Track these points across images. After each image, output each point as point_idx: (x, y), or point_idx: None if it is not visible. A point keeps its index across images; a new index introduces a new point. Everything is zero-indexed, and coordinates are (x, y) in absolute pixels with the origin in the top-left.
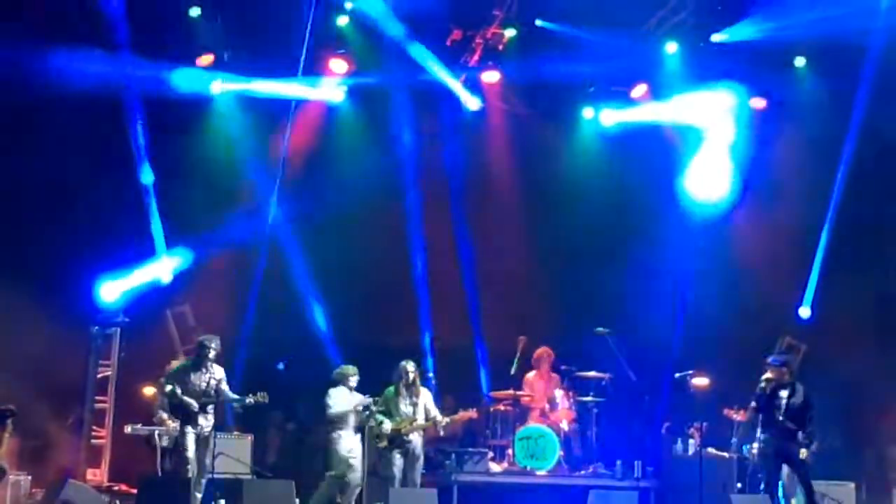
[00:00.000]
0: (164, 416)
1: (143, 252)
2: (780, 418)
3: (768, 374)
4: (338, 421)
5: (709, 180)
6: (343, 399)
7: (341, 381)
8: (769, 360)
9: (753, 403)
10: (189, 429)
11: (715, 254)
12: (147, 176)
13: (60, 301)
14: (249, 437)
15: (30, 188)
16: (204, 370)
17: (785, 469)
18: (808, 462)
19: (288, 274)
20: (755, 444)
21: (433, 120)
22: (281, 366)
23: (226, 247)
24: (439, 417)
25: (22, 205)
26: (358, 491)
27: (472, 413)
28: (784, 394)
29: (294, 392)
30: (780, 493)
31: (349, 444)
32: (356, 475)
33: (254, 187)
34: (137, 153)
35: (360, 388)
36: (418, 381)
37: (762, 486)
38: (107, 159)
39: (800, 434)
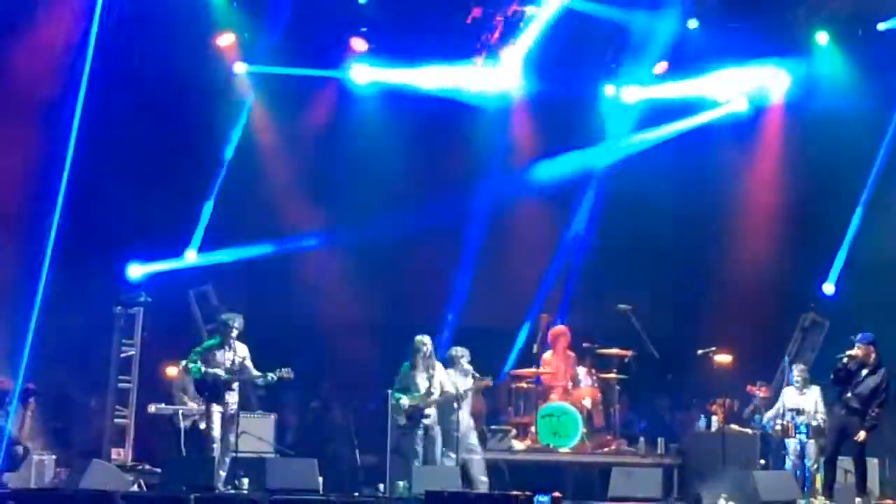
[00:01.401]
0: (186, 398)
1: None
2: (849, 395)
3: (854, 351)
4: (457, 401)
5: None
6: (458, 380)
7: (453, 362)
8: (858, 336)
9: (832, 376)
10: (215, 407)
11: (737, 230)
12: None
13: (89, 280)
14: (272, 416)
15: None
16: (228, 348)
17: (811, 445)
18: (866, 443)
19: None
20: (778, 421)
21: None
22: (284, 373)
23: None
24: (453, 392)
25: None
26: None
27: (487, 381)
28: (864, 373)
29: (318, 371)
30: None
31: (468, 422)
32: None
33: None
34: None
35: (387, 368)
36: (434, 356)
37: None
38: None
39: (865, 416)
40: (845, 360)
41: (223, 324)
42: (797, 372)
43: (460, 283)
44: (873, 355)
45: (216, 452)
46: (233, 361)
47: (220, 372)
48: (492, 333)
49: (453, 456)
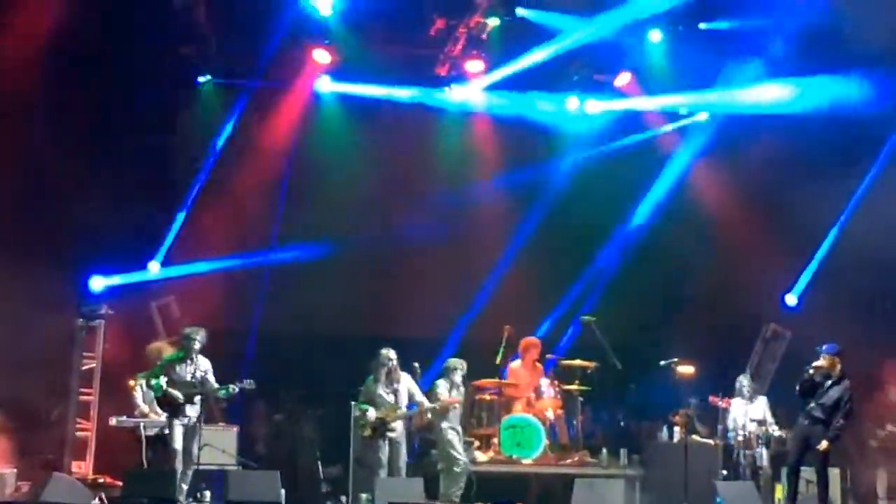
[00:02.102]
0: (144, 407)
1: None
2: (813, 405)
3: (819, 362)
4: (446, 412)
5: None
6: (447, 392)
7: (447, 373)
8: (823, 348)
9: (798, 387)
10: (176, 421)
11: (699, 241)
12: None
13: (51, 292)
14: (235, 429)
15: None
16: (189, 362)
17: (765, 454)
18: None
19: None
20: (740, 432)
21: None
22: (246, 384)
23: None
24: (426, 403)
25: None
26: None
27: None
28: (828, 384)
29: (282, 383)
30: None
31: (456, 434)
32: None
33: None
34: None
35: (350, 380)
36: (398, 368)
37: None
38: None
39: (829, 426)
40: (811, 371)
41: (186, 337)
42: (745, 383)
43: (426, 294)
44: (838, 366)
45: (178, 465)
46: (193, 375)
47: (178, 394)
48: (457, 343)
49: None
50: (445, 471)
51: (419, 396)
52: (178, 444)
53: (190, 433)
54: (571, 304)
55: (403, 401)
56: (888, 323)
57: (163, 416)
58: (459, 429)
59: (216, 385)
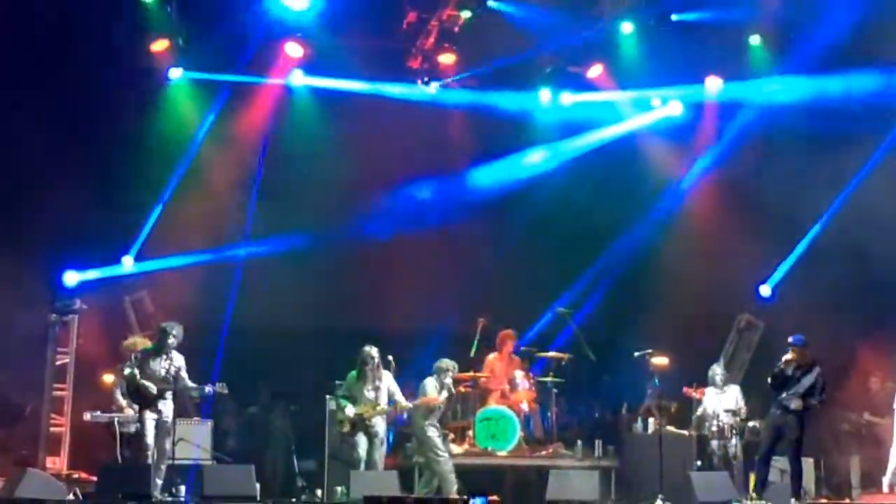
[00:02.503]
0: (123, 402)
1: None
2: (785, 395)
3: (789, 356)
4: (430, 412)
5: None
6: (436, 391)
7: (438, 373)
8: (790, 340)
9: (770, 381)
10: (148, 414)
11: (674, 232)
12: None
13: (24, 287)
14: (209, 423)
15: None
16: (164, 356)
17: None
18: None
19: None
20: (714, 422)
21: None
22: (218, 387)
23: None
24: (403, 403)
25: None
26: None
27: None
28: (799, 374)
29: (256, 375)
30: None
31: (440, 433)
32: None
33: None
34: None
35: (325, 373)
36: (381, 366)
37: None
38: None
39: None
40: (782, 365)
41: (162, 331)
42: (719, 372)
43: (401, 288)
44: (808, 356)
45: (151, 459)
46: (167, 370)
47: (152, 386)
48: (432, 336)
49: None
50: (425, 466)
51: (398, 396)
52: (149, 438)
53: (162, 429)
54: (547, 297)
55: (384, 399)
56: (864, 312)
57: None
58: (439, 427)
59: (190, 384)
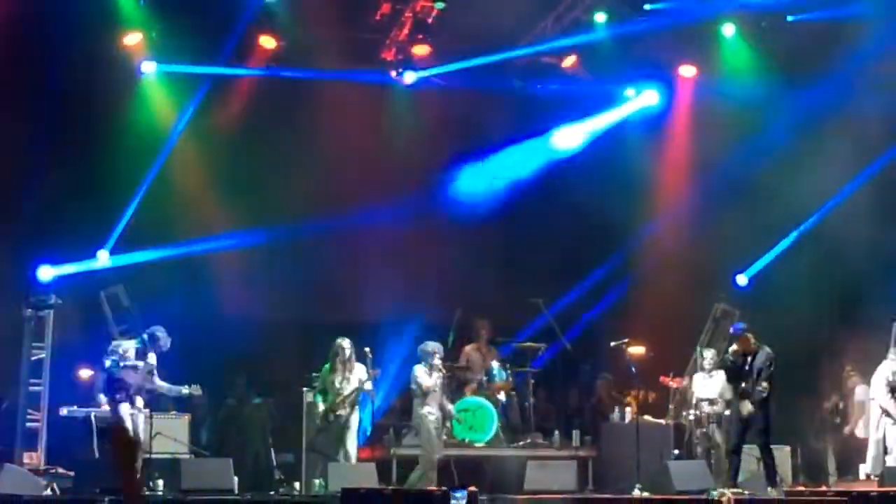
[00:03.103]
0: (104, 398)
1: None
2: (744, 385)
3: (734, 347)
4: (425, 397)
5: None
6: (427, 375)
7: (424, 357)
8: (731, 331)
9: (724, 374)
10: (125, 408)
11: (649, 222)
12: None
13: None
14: (187, 417)
15: None
16: (145, 356)
17: (717, 432)
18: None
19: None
20: (692, 411)
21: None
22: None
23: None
24: (374, 394)
25: None
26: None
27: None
28: (749, 360)
29: (233, 368)
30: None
31: (437, 419)
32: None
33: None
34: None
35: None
36: (353, 358)
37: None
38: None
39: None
40: (731, 357)
41: (153, 336)
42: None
43: (379, 278)
44: (752, 341)
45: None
46: (144, 368)
47: (130, 381)
48: (409, 327)
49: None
50: (423, 457)
51: (369, 386)
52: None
53: (135, 421)
54: (524, 285)
55: (356, 381)
56: (841, 300)
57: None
58: (439, 413)
59: (160, 382)
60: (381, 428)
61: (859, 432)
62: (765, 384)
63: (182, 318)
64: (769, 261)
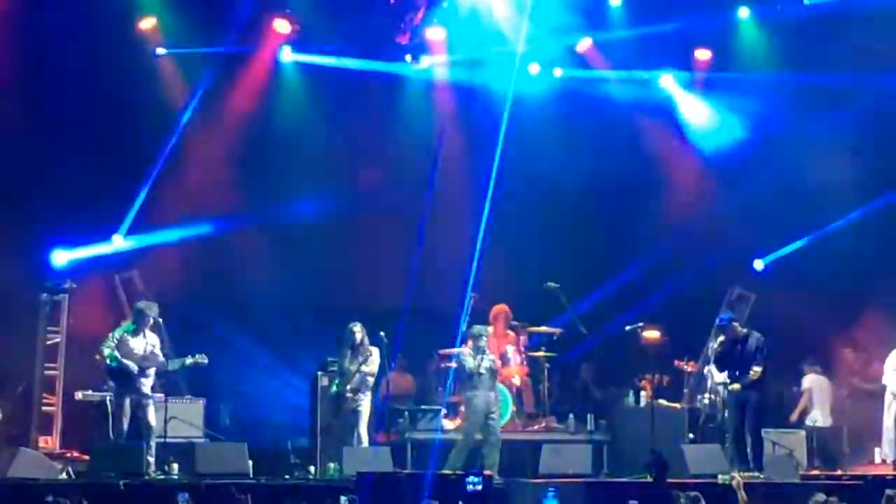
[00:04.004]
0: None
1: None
2: (737, 373)
3: (721, 337)
4: (470, 380)
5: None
6: (472, 357)
7: (472, 340)
8: (717, 322)
9: (716, 366)
10: (125, 396)
11: (664, 206)
12: None
13: (14, 266)
14: (202, 401)
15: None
16: (143, 336)
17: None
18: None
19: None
20: (707, 395)
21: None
22: (198, 358)
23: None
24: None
25: None
26: (498, 447)
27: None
28: (739, 348)
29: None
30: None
31: (484, 402)
32: (493, 433)
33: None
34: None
35: (316, 349)
36: (366, 342)
37: (729, 436)
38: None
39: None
40: (719, 348)
41: (139, 311)
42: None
43: (394, 263)
44: (739, 329)
45: (121, 439)
46: (144, 349)
47: (132, 365)
48: (432, 313)
49: None
50: (462, 439)
51: (372, 367)
52: (125, 423)
53: (144, 405)
54: (538, 271)
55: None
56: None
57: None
58: (492, 395)
59: (162, 359)
60: (397, 412)
61: (815, 422)
62: (757, 368)
63: (199, 301)
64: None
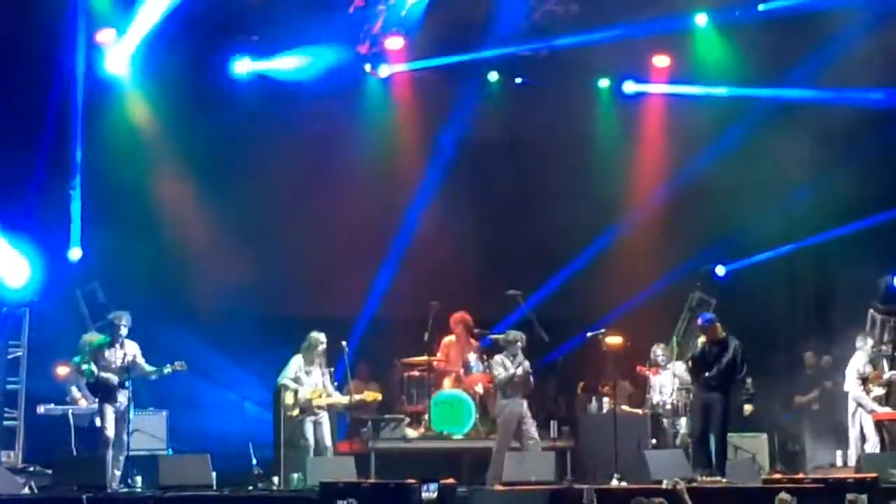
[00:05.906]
0: (78, 395)
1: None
2: (706, 375)
3: (702, 338)
4: (504, 387)
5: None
6: (502, 366)
7: (507, 347)
8: (699, 322)
9: (689, 363)
10: (108, 406)
11: (626, 212)
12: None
13: None
14: (164, 413)
15: None
16: (119, 346)
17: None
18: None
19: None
20: (668, 400)
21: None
22: (177, 365)
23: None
24: (344, 400)
25: None
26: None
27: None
28: (715, 350)
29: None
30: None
31: (517, 409)
32: (531, 437)
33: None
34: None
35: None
36: (325, 353)
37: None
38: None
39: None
40: (699, 347)
41: (110, 323)
42: (660, 351)
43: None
44: (720, 332)
45: (110, 452)
46: (123, 359)
47: (112, 376)
48: (394, 322)
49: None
50: (496, 451)
51: (330, 389)
52: (110, 431)
53: (121, 419)
54: (499, 278)
55: (329, 384)
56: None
57: (95, 404)
58: (524, 402)
59: (148, 367)
60: (360, 421)
61: None
62: (749, 380)
63: (159, 312)
64: (750, 255)
